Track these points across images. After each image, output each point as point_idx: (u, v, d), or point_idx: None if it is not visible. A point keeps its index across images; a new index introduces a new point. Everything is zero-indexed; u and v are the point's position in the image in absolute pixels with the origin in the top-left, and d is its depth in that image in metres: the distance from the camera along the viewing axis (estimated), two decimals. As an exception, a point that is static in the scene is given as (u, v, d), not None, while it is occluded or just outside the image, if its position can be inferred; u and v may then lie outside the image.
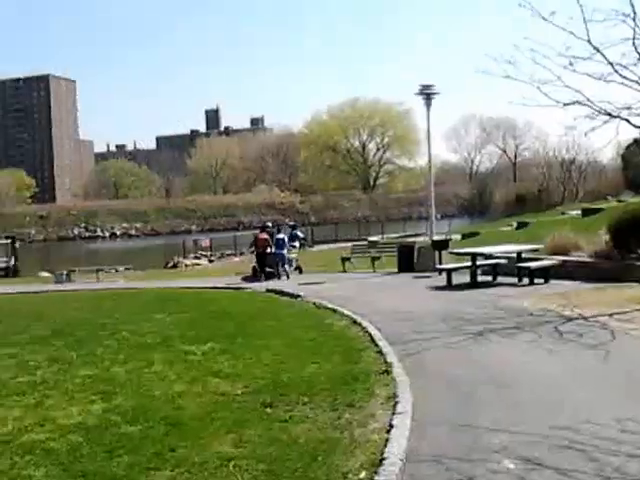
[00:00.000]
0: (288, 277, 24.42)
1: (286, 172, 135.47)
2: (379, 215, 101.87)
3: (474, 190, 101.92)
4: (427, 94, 24.12)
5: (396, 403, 7.27)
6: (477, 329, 11.80)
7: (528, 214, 50.10)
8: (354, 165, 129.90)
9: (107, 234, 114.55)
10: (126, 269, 34.20)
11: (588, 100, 13.37)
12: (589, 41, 12.97)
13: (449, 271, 19.37)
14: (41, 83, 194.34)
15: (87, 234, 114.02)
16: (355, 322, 12.90)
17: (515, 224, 38.46)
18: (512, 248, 20.45)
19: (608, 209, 32.54)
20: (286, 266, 25.04)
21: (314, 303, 16.00)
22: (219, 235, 65.08)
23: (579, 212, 36.73)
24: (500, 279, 19.50)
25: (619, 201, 40.52)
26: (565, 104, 13.55)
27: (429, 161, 26.04)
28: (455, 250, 21.35)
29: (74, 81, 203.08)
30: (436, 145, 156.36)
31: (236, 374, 8.76)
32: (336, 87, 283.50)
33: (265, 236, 25.89)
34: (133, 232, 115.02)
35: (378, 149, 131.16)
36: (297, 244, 28.19)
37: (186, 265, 42.62)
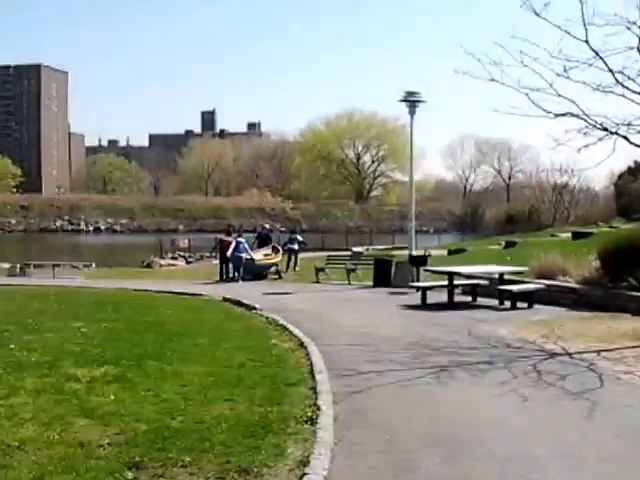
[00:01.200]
0: (237, 281, 24.58)
1: (279, 178, 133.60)
2: (371, 226, 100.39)
3: (467, 208, 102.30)
4: (411, 101, 21.82)
5: (304, 475, 5.34)
6: (443, 361, 10.02)
7: (518, 234, 48.50)
8: (348, 176, 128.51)
9: (91, 228, 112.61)
10: (84, 266, 32.25)
11: (583, 113, 11.31)
12: (587, 42, 10.89)
13: (424, 289, 17.59)
14: (32, 72, 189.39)
15: (70, 227, 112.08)
16: (302, 345, 11.01)
17: (503, 243, 36.60)
18: (494, 269, 18.66)
19: (599, 233, 30.90)
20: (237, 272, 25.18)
21: (267, 318, 14.13)
22: (205, 236, 63.20)
23: (569, 235, 35.05)
24: (480, 300, 17.88)
25: (610, 227, 38.75)
26: (556, 115, 11.51)
27: (410, 172, 24.05)
28: (431, 268, 19.39)
29: (66, 72, 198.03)
30: (432, 161, 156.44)
31: (116, 413, 6.74)
32: (336, 95, 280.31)
33: (230, 239, 26.12)
34: (118, 228, 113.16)
35: (373, 161, 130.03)
36: (296, 246, 28.89)
37: (161, 265, 40.63)
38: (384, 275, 22.32)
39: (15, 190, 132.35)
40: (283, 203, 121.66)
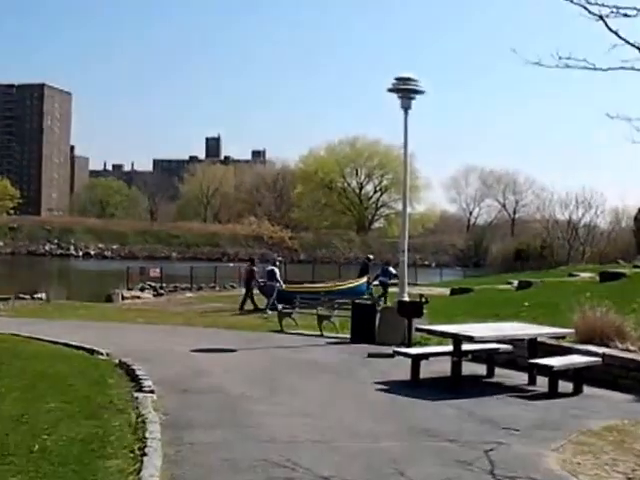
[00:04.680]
0: (269, 311, 23.57)
1: (281, 206, 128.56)
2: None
3: (470, 241, 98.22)
4: (405, 91, 15.37)
5: None
6: None
7: (529, 272, 43.23)
8: (349, 205, 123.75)
9: (80, 253, 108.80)
10: (12, 298, 26.91)
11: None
12: None
13: (415, 358, 11.74)
14: (35, 92, 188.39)
15: (59, 251, 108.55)
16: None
17: (515, 283, 30.78)
18: (523, 330, 12.61)
19: (633, 275, 25.44)
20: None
21: (139, 415, 8.20)
22: (181, 265, 58.15)
23: (591, 275, 29.65)
24: (498, 372, 12.28)
25: (635, 266, 33.16)
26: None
27: (404, 187, 17.61)
28: (427, 327, 13.19)
29: (70, 93, 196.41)
30: (436, 193, 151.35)
31: None
32: (342, 120, 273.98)
33: (251, 268, 26.75)
34: (108, 254, 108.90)
35: (375, 191, 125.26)
36: (389, 280, 27.36)
37: (124, 297, 34.68)
38: (365, 326, 16.50)
39: (12, 212, 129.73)
40: (282, 232, 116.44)
